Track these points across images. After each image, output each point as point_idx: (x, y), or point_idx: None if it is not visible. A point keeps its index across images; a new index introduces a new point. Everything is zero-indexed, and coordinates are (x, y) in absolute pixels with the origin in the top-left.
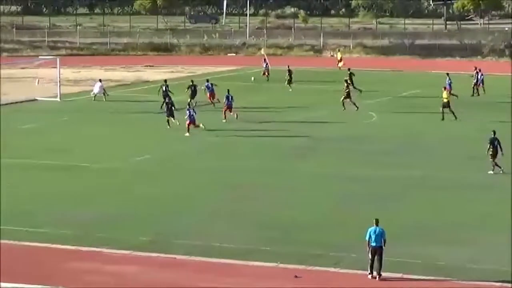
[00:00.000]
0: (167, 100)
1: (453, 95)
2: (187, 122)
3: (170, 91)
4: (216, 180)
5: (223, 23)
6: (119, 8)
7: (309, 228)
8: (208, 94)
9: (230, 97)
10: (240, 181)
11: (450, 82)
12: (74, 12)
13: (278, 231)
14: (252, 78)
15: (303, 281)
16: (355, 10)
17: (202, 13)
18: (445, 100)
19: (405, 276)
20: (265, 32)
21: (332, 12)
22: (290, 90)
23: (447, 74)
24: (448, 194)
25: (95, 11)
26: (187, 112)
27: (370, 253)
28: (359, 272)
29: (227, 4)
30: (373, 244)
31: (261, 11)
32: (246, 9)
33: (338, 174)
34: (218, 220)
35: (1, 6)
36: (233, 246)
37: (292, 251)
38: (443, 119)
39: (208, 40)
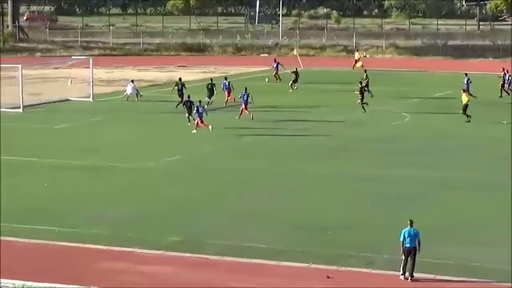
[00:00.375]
0: (186, 99)
1: (471, 95)
2: (196, 120)
3: (185, 88)
4: (246, 181)
5: (256, 24)
6: (152, 8)
7: (341, 229)
8: (225, 93)
9: (246, 96)
10: (270, 182)
11: (469, 83)
12: (107, 12)
13: (309, 232)
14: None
15: (335, 282)
16: (387, 11)
17: (262, 13)
18: (465, 102)
19: (438, 277)
20: (297, 32)
21: (365, 12)
22: (290, 90)
23: (466, 74)
24: (479, 194)
25: (128, 11)
26: (196, 109)
27: (403, 254)
28: (391, 272)
29: (260, 5)
30: (407, 245)
31: (294, 12)
32: (279, 10)
33: (369, 175)
34: (248, 221)
35: (35, 6)
36: (264, 246)
37: (323, 252)
38: (469, 121)
39: (241, 40)
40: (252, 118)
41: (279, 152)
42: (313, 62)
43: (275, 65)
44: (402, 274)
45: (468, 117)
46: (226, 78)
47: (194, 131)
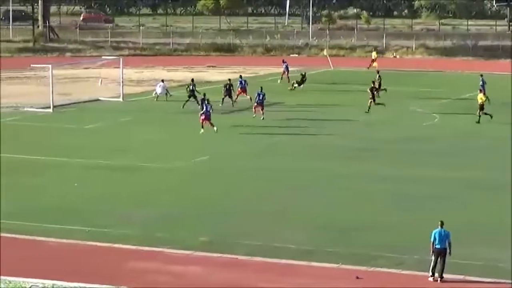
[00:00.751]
0: (201, 97)
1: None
2: (202, 118)
3: (197, 91)
4: (275, 181)
5: (286, 24)
6: (182, 8)
7: (370, 229)
8: (239, 89)
9: (261, 95)
10: (298, 182)
11: (483, 84)
12: (137, 12)
13: (338, 232)
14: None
15: (365, 282)
16: (417, 11)
17: (318, 14)
18: (480, 102)
19: (467, 278)
20: (327, 33)
21: (395, 13)
22: (289, 88)
23: (481, 75)
24: (508, 195)
25: (158, 12)
26: (203, 107)
27: (433, 255)
28: (422, 273)
29: (289, 5)
30: (438, 246)
31: (324, 12)
32: (309, 10)
33: (398, 175)
34: (278, 221)
35: (65, 6)
36: (294, 247)
37: (353, 252)
38: (478, 122)
39: (271, 40)
40: (263, 118)
41: (306, 152)
42: (343, 62)
43: (284, 66)
44: (431, 276)
45: (490, 116)
46: (241, 76)
47: (202, 130)
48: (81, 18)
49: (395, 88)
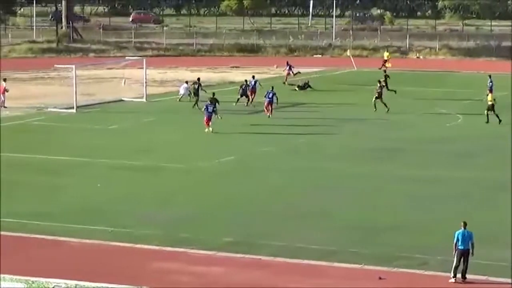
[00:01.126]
0: (210, 97)
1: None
2: (205, 118)
3: (203, 89)
4: (299, 181)
5: (309, 24)
6: (206, 9)
7: (393, 230)
8: (249, 91)
9: (271, 94)
10: (322, 182)
11: (492, 84)
12: (161, 13)
13: (362, 233)
14: (284, 83)
15: (388, 283)
16: (441, 12)
17: (367, 15)
18: (490, 103)
19: (490, 279)
20: (351, 33)
21: (418, 13)
22: (290, 85)
23: (489, 76)
24: None
25: (182, 12)
26: (205, 107)
27: (456, 256)
28: (445, 274)
29: (313, 6)
30: (461, 247)
31: (347, 13)
32: (332, 11)
33: (421, 176)
34: (301, 221)
35: (89, 7)
36: (317, 247)
37: (376, 253)
38: (487, 121)
39: (294, 41)
40: (269, 116)
41: (331, 153)
42: (366, 63)
43: (287, 68)
44: (453, 277)
45: (488, 117)
46: (253, 77)
47: (207, 129)
48: (131, 18)
49: (418, 88)
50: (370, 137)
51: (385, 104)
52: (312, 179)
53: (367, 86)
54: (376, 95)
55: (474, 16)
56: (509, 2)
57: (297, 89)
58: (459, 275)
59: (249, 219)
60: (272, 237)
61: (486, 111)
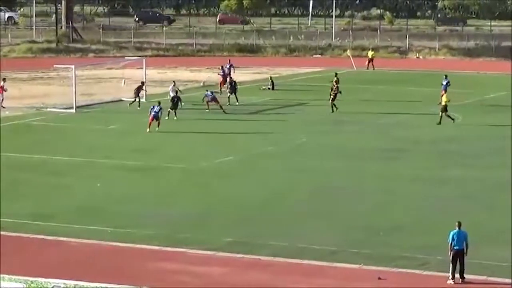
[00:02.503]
0: (174, 94)
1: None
2: (149, 118)
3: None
4: (301, 182)
5: (309, 25)
6: (205, 9)
7: (395, 230)
8: (220, 78)
9: (157, 108)
10: (325, 183)
11: (447, 84)
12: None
13: (363, 233)
14: (263, 87)
15: (387, 283)
16: (441, 12)
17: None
18: (444, 104)
19: (490, 279)
20: (350, 33)
21: (418, 13)
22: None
23: (445, 76)
24: None
25: (181, 12)
26: (152, 107)
27: (451, 257)
28: (444, 274)
29: (313, 6)
30: (456, 247)
31: (347, 13)
32: (332, 11)
33: (424, 176)
34: (302, 221)
35: (88, 7)
36: (317, 247)
37: (376, 253)
38: (440, 122)
39: (294, 41)
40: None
41: (331, 153)
42: (365, 63)
43: (228, 66)
44: (452, 279)
45: (452, 119)
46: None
47: (148, 129)
48: (218, 19)
49: (418, 88)
50: (370, 137)
51: (334, 105)
52: (312, 179)
53: (367, 86)
54: (333, 96)
55: (474, 16)
56: (508, 2)
57: (265, 87)
58: (457, 275)
59: (249, 219)
60: (272, 237)
61: (440, 112)
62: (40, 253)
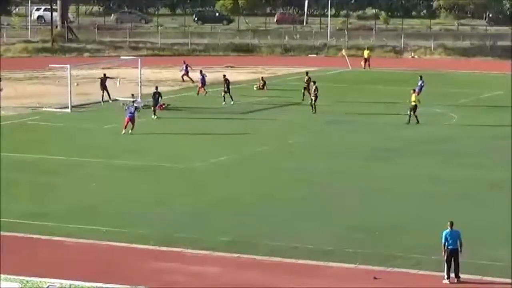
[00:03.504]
0: (154, 90)
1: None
2: (126, 118)
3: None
4: (296, 181)
5: (304, 24)
6: (201, 8)
7: (391, 229)
8: (200, 85)
9: (132, 109)
10: (320, 182)
11: (422, 85)
12: (156, 12)
13: (359, 232)
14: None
15: (382, 283)
16: (436, 12)
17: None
18: (413, 104)
19: (485, 278)
20: (346, 33)
21: (413, 13)
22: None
23: (420, 77)
24: None
25: (177, 12)
26: (127, 108)
27: (446, 257)
28: (439, 274)
29: (308, 5)
30: (450, 246)
31: (342, 12)
32: (327, 10)
33: (419, 176)
34: (297, 221)
35: (84, 7)
36: (312, 247)
37: (372, 252)
38: (408, 122)
39: (289, 41)
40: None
41: (326, 153)
42: (361, 62)
43: (184, 67)
44: (447, 278)
45: (413, 118)
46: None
47: (124, 131)
48: (275, 19)
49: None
50: (364, 137)
51: (314, 107)
52: (306, 179)
53: (362, 86)
54: (314, 97)
55: (469, 15)
56: (504, 2)
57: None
58: (453, 275)
59: (245, 219)
60: (268, 237)
61: (408, 111)
62: (35, 252)
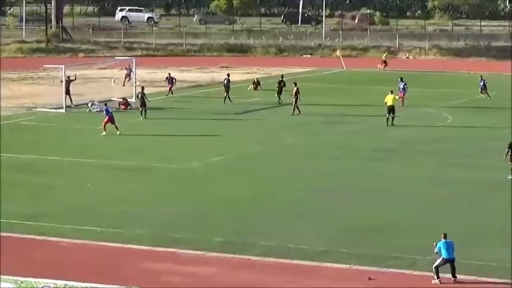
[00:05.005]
0: (139, 91)
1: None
2: (105, 120)
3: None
4: (293, 182)
5: (299, 24)
6: (195, 9)
7: (386, 230)
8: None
9: (110, 109)
10: (315, 183)
11: (405, 86)
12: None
13: (354, 233)
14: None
15: (376, 283)
16: (431, 12)
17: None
18: (391, 104)
19: (480, 279)
20: (340, 33)
21: (408, 13)
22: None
23: (401, 78)
24: None
25: (171, 12)
26: (104, 109)
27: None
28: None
29: (303, 6)
30: (446, 257)
31: (337, 13)
32: (322, 10)
33: (415, 176)
34: (294, 221)
35: (78, 7)
36: (307, 248)
37: (366, 253)
38: (389, 123)
39: (284, 41)
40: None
41: (321, 153)
42: (355, 63)
43: (128, 71)
44: (437, 278)
45: (389, 120)
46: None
47: (104, 133)
48: (356, 20)
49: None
50: (360, 138)
51: (297, 107)
52: (302, 179)
53: (357, 86)
54: (295, 99)
55: (464, 16)
56: (498, 2)
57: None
58: (448, 275)
59: (240, 219)
60: (263, 237)
61: (387, 113)
62: (30, 253)
